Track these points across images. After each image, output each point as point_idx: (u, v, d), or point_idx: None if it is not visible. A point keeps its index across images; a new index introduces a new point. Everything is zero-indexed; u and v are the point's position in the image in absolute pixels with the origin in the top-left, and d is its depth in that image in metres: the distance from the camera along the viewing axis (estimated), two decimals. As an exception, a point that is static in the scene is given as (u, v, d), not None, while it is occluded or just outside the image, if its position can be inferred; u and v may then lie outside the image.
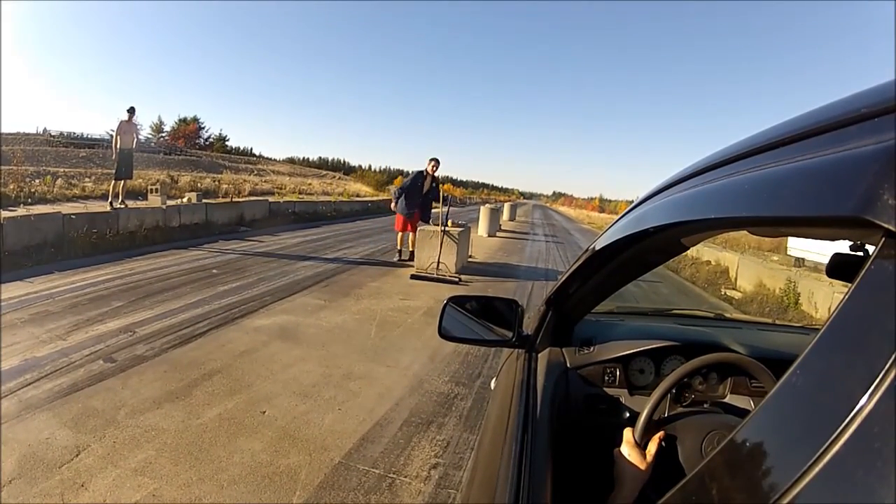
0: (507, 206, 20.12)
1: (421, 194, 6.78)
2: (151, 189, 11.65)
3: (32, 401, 2.39)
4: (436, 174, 6.85)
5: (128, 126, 7.85)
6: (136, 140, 8.30)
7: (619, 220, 0.84)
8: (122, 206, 7.77)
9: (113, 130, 7.83)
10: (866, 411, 0.23)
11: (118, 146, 7.66)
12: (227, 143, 43.89)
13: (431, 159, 6.79)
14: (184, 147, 31.70)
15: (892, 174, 0.27)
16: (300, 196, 17.94)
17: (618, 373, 1.08)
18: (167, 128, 40.68)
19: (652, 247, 0.84)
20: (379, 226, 12.51)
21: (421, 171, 6.81)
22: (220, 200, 12.14)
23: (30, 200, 8.94)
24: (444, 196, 6.95)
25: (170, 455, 2.05)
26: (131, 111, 7.80)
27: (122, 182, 8.09)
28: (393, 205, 7.10)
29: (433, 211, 7.02)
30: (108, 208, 7.48)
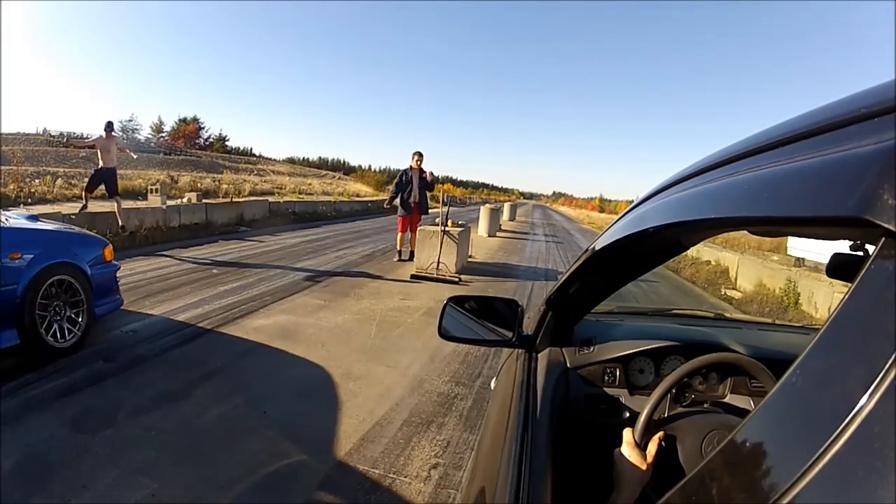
0: (507, 206, 20.13)
1: (412, 189, 6.82)
2: (151, 189, 11.67)
3: (33, 401, 2.39)
4: (422, 166, 6.88)
5: (106, 142, 6.94)
6: (127, 155, 7.56)
7: (618, 220, 0.84)
8: (83, 209, 7.09)
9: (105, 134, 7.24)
10: (866, 411, 0.23)
11: (99, 164, 6.96)
12: (227, 143, 43.98)
13: (414, 153, 6.85)
14: (184, 147, 31.74)
15: (892, 174, 0.27)
16: (300, 196, 17.95)
17: (618, 373, 1.08)
18: (167, 128, 40.75)
19: (652, 247, 0.84)
20: (379, 226, 12.52)
21: (405, 170, 6.89)
22: (220, 200, 12.15)
23: (30, 200, 8.95)
24: (444, 196, 6.97)
25: (170, 455, 2.05)
26: (109, 127, 7.02)
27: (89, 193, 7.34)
28: (387, 202, 7.28)
29: (433, 210, 7.04)
30: (78, 211, 7.05)
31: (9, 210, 4.34)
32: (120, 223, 7.04)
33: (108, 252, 3.44)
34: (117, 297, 3.54)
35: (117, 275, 3.59)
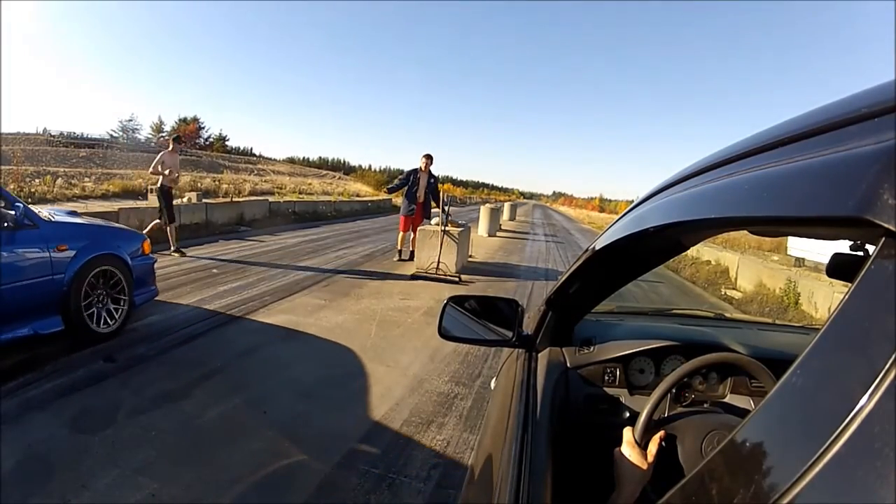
0: (507, 206, 20.13)
1: (417, 191, 6.81)
2: (151, 189, 11.64)
3: (33, 401, 2.39)
4: (430, 170, 6.88)
5: (171, 158, 6.23)
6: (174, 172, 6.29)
7: (618, 220, 0.84)
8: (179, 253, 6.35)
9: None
10: (866, 411, 0.23)
11: (161, 182, 6.21)
12: (227, 142, 44.01)
13: (424, 155, 6.85)
14: (184, 147, 31.73)
15: (892, 174, 0.27)
16: (300, 196, 17.94)
17: (618, 373, 1.08)
18: (167, 128, 40.78)
19: (652, 247, 0.84)
20: (379, 226, 12.52)
21: (415, 169, 6.87)
22: (220, 200, 12.14)
23: (30, 200, 8.93)
24: (444, 196, 6.97)
25: (169, 455, 2.05)
26: (177, 140, 6.40)
27: (174, 226, 6.44)
28: (388, 187, 7.46)
29: (433, 210, 7.03)
30: (176, 255, 6.20)
31: (48, 207, 4.46)
32: (173, 246, 6.32)
33: (146, 246, 3.73)
34: (153, 288, 3.83)
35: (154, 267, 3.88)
